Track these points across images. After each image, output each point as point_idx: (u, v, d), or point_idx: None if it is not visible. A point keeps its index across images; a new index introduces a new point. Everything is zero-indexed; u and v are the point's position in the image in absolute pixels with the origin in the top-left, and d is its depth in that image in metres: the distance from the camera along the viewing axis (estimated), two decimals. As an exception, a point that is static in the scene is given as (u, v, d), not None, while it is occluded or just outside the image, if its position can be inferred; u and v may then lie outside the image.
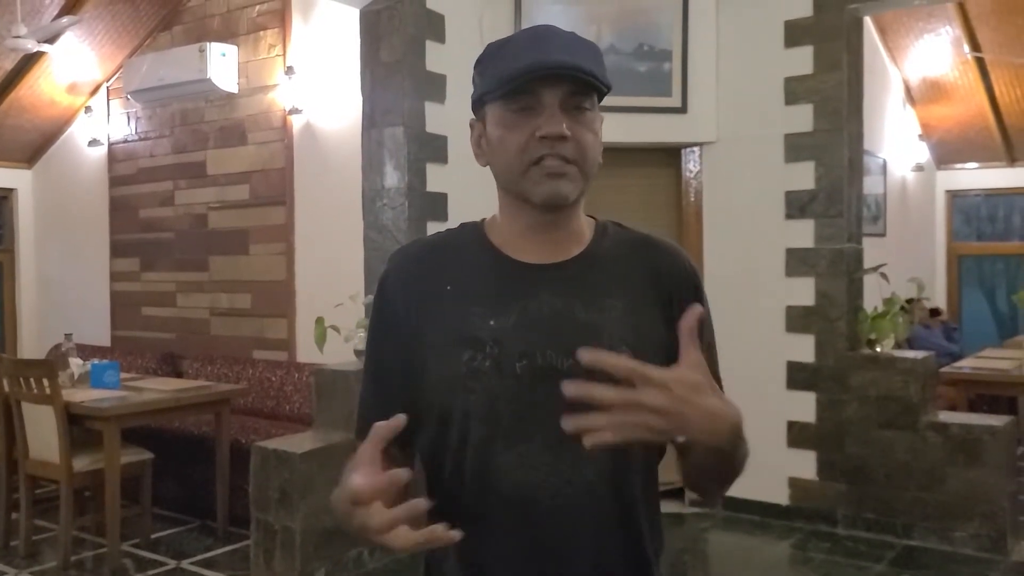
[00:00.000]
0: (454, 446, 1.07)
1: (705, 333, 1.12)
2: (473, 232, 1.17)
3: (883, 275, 4.24)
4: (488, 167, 1.13)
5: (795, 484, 4.29)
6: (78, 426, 3.84)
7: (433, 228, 3.97)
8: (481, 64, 1.11)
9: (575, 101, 1.06)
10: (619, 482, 1.07)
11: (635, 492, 1.09)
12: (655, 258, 1.15)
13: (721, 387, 1.10)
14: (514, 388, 1.05)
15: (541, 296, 1.08)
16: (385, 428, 0.94)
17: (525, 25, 4.34)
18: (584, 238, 1.14)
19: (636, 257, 1.14)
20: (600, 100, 1.12)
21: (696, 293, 1.14)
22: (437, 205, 4.00)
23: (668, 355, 1.00)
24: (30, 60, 5.49)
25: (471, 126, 1.15)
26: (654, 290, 1.12)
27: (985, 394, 5.29)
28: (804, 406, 4.26)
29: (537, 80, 1.04)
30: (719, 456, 1.01)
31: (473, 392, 1.06)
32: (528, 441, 1.05)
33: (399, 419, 0.94)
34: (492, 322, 1.07)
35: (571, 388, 0.89)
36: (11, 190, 6.58)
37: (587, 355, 0.91)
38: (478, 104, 1.12)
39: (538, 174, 1.05)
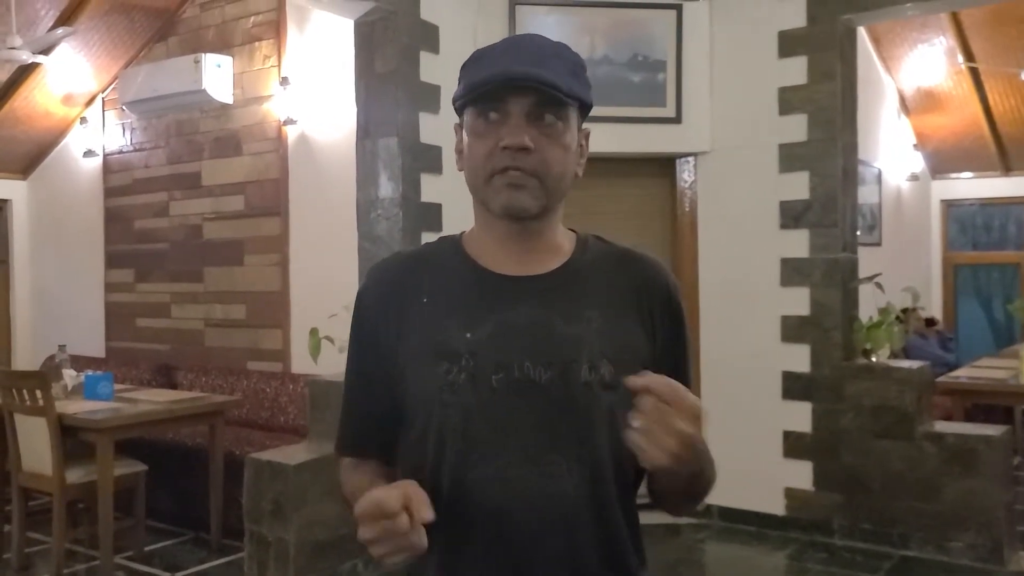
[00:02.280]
0: (431, 459, 1.06)
1: (686, 347, 1.16)
2: (451, 245, 1.17)
3: (878, 285, 4.24)
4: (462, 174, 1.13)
5: (791, 494, 4.27)
6: (71, 438, 3.82)
7: (428, 239, 3.96)
8: (463, 69, 1.11)
9: (541, 113, 1.04)
10: (597, 496, 1.05)
11: (614, 505, 1.07)
12: (635, 272, 1.14)
13: (689, 381, 1.13)
14: (490, 401, 1.04)
15: (519, 308, 1.07)
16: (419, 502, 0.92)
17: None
18: (564, 251, 1.13)
19: (617, 270, 1.14)
20: (585, 114, 1.11)
21: (674, 307, 1.15)
22: (431, 216, 4.00)
23: (647, 369, 1.00)
24: (25, 71, 5.49)
25: (455, 130, 1.14)
26: (634, 303, 1.11)
27: (981, 404, 5.28)
28: (800, 416, 4.25)
29: (505, 90, 1.03)
30: (695, 476, 1.01)
31: (449, 405, 1.05)
32: (505, 455, 1.03)
33: (429, 514, 0.93)
34: (468, 334, 1.06)
35: (636, 382, 0.90)
36: (6, 201, 6.58)
37: (636, 381, 0.90)
38: (459, 111, 1.12)
39: (499, 183, 1.05)
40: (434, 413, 1.05)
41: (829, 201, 4.18)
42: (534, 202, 1.06)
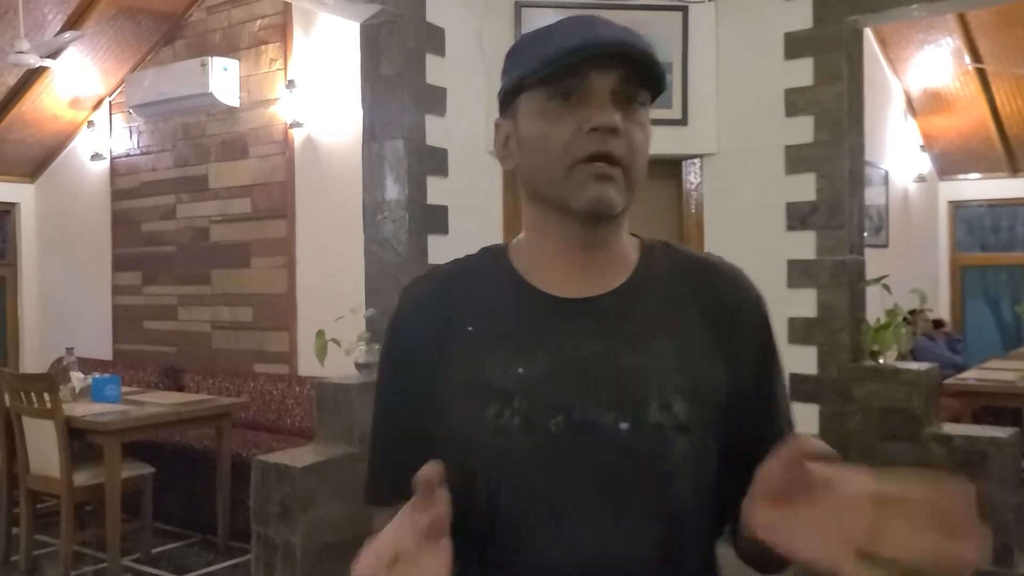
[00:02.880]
0: (481, 519, 0.90)
1: (776, 374, 1.00)
2: (495, 258, 1.00)
3: (885, 286, 4.22)
4: (516, 171, 0.97)
5: (799, 497, 4.25)
6: (79, 440, 3.84)
7: (434, 241, 3.97)
8: (515, 54, 0.96)
9: (629, 91, 0.90)
10: (677, 558, 0.90)
11: (697, 567, 0.93)
12: (712, 286, 0.98)
13: (785, 412, 1.01)
14: (548, 449, 0.88)
15: (578, 337, 0.92)
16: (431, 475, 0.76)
17: (525, 38, 4.35)
18: (628, 263, 0.97)
19: (690, 286, 0.97)
20: (652, 100, 0.95)
21: (759, 326, 0.98)
22: (438, 218, 4.00)
23: (726, 406, 0.91)
24: (33, 75, 5.52)
25: (496, 126, 0.99)
26: (712, 326, 0.94)
27: (989, 406, 5.26)
28: (807, 418, 4.23)
29: (587, 63, 0.88)
30: None
31: (500, 455, 0.89)
32: (567, 514, 0.88)
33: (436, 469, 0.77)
34: (521, 370, 0.90)
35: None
36: (14, 204, 6.60)
37: (792, 450, 0.73)
38: (509, 97, 0.96)
39: (583, 175, 0.89)
40: (483, 463, 0.90)
41: (836, 203, 4.17)
42: (620, 197, 0.91)
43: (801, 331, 4.25)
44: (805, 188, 4.23)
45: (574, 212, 0.92)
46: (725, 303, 0.97)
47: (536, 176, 0.94)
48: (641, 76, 0.91)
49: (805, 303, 4.23)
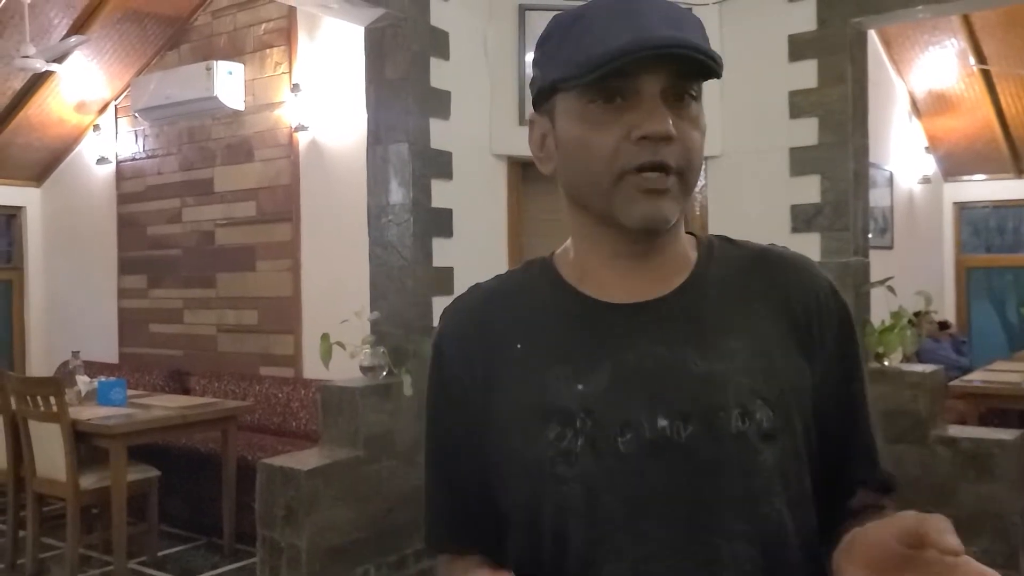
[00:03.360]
0: (549, 554, 0.82)
1: (859, 371, 0.91)
2: (541, 270, 0.92)
3: (890, 288, 4.21)
4: (555, 175, 0.88)
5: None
6: (85, 444, 3.85)
7: (438, 244, 3.98)
8: (549, 42, 0.84)
9: (682, 89, 0.80)
10: None
11: None
12: (780, 278, 0.88)
13: (879, 430, 0.92)
14: (619, 472, 0.80)
15: (639, 345, 0.83)
16: None
17: (529, 41, 4.36)
18: (687, 262, 0.89)
19: (756, 279, 0.88)
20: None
21: (838, 319, 0.89)
22: (442, 221, 4.01)
23: (810, 409, 0.83)
24: (39, 79, 5.54)
25: (531, 121, 0.90)
26: (786, 320, 0.85)
27: (995, 408, 5.24)
28: (812, 420, 4.23)
29: (640, 64, 0.78)
30: None
31: (566, 481, 0.81)
32: (646, 542, 0.79)
33: None
34: (580, 386, 0.82)
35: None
36: (20, 208, 6.63)
37: (915, 528, 0.66)
38: (544, 93, 0.86)
39: (632, 189, 0.80)
40: (547, 491, 0.82)
41: (840, 204, 4.16)
42: (675, 209, 0.82)
43: (806, 333, 4.24)
44: (809, 190, 4.23)
45: (624, 227, 0.83)
46: (798, 296, 0.87)
47: (579, 184, 0.85)
48: (696, 69, 0.80)
49: (810, 305, 4.22)
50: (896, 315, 4.22)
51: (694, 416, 0.80)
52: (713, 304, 0.86)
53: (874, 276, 4.33)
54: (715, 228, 4.52)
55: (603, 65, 0.77)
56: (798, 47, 4.25)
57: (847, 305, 0.91)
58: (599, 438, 0.80)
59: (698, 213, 4.59)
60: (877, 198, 5.80)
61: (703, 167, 4.35)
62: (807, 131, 4.23)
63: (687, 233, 0.92)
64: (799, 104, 4.25)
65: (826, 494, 0.84)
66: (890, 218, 6.53)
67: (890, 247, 6.40)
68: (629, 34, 0.77)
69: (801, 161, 4.25)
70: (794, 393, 0.83)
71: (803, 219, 4.25)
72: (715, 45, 4.01)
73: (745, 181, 4.44)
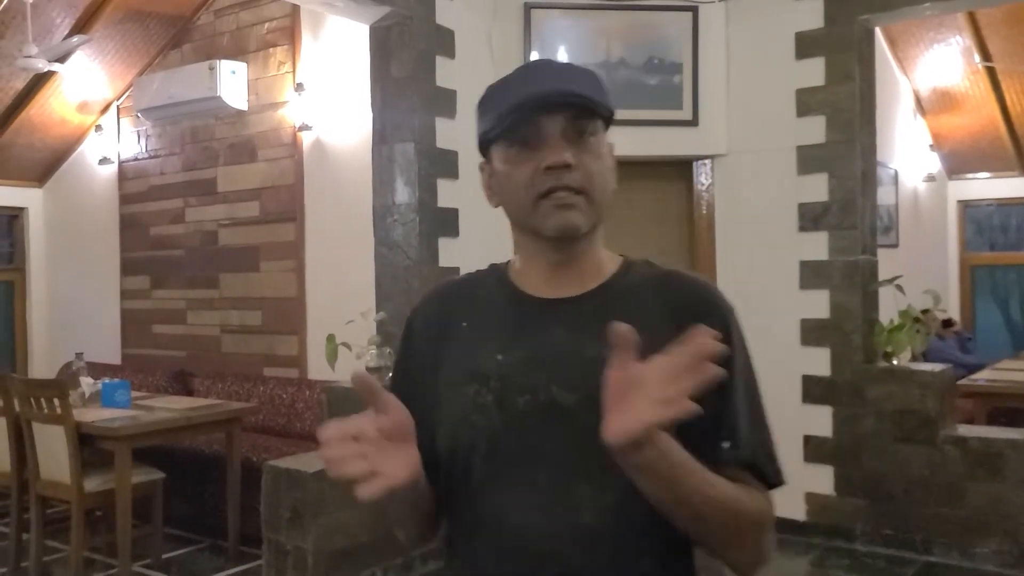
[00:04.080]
0: (458, 485, 1.06)
1: (733, 370, 1.03)
2: (496, 271, 1.18)
3: (899, 287, 4.20)
4: (501, 208, 1.12)
5: (812, 499, 4.23)
6: (89, 446, 3.82)
7: (445, 244, 3.96)
8: (482, 106, 1.10)
9: (577, 128, 1.04)
10: (624, 525, 1.01)
11: (643, 539, 1.02)
12: (678, 294, 1.09)
13: (764, 432, 1.08)
14: (516, 425, 1.02)
15: (552, 331, 1.06)
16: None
17: (534, 40, 4.34)
18: (603, 272, 1.11)
19: (656, 293, 1.09)
20: (607, 127, 1.09)
21: (722, 331, 0.99)
22: (448, 221, 3.98)
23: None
24: (41, 79, 5.51)
25: (481, 169, 1.14)
26: (671, 326, 0.99)
27: (1003, 407, 5.22)
28: (820, 420, 4.21)
29: (536, 112, 1.03)
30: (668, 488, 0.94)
31: (475, 428, 1.04)
32: (528, 482, 1.02)
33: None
34: (500, 356, 1.06)
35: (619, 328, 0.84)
36: (22, 209, 6.60)
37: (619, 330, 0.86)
38: (484, 146, 1.11)
39: (547, 207, 1.04)
40: (462, 435, 1.05)
41: (848, 203, 4.14)
42: (584, 220, 1.05)
43: (814, 332, 4.22)
44: (817, 188, 4.21)
45: (546, 237, 1.06)
46: (687, 306, 1.06)
47: (512, 210, 1.09)
48: (588, 112, 1.04)
49: (818, 304, 4.20)
50: (904, 314, 4.20)
51: (580, 389, 0.99)
52: (617, 306, 1.04)
53: (880, 274, 4.31)
54: (722, 227, 4.51)
55: (507, 116, 1.04)
56: (805, 45, 4.23)
57: (734, 323, 1.09)
58: (505, 398, 1.03)
59: (704, 212, 4.57)
60: (882, 196, 5.76)
61: (711, 164, 4.34)
62: (814, 129, 4.21)
63: (619, 256, 1.14)
64: (806, 102, 4.23)
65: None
66: (895, 216, 6.51)
67: (895, 245, 6.38)
68: (525, 91, 1.03)
69: (808, 159, 4.23)
70: None
71: (810, 218, 4.23)
72: (720, 43, 3.99)
73: (752, 180, 4.41)
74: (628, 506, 0.98)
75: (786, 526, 4.27)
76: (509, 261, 1.17)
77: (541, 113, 1.03)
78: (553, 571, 1.00)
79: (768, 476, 1.06)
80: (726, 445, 1.03)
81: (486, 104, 1.09)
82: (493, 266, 1.19)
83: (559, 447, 1.01)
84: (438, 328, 1.14)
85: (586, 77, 1.07)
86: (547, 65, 1.14)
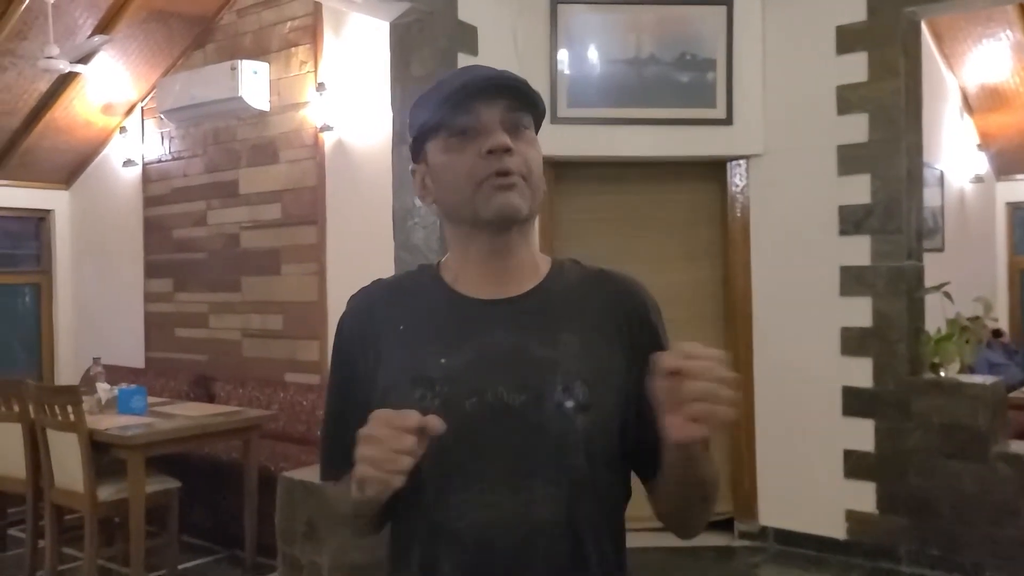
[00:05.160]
0: (409, 491, 1.01)
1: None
2: (428, 273, 1.17)
3: (947, 294, 3.97)
4: (434, 207, 1.13)
5: (853, 517, 4.02)
6: (104, 454, 3.74)
7: (466, 248, 3.82)
8: (414, 107, 1.12)
9: (514, 118, 1.07)
10: (576, 518, 1.04)
11: (594, 532, 1.06)
12: (611, 291, 1.14)
13: None
14: (464, 427, 1.02)
15: (495, 332, 1.07)
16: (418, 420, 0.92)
17: (561, 37, 4.19)
18: (539, 272, 1.13)
19: (591, 291, 1.13)
20: (537, 128, 1.12)
21: (651, 326, 1.13)
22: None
23: (623, 389, 1.05)
24: (65, 81, 5.47)
25: (412, 172, 1.15)
26: (610, 323, 1.10)
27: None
28: (862, 434, 3.99)
29: (474, 98, 1.05)
30: (703, 477, 1.04)
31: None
32: (481, 481, 1.03)
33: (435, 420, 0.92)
34: (443, 360, 1.06)
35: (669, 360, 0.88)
36: (48, 211, 6.58)
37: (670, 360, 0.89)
38: (417, 145, 1.12)
39: (488, 188, 1.05)
40: None
41: (892, 205, 3.93)
42: (524, 203, 1.07)
43: (855, 341, 4.01)
44: (859, 190, 4.00)
45: (485, 221, 1.06)
46: (621, 305, 1.12)
47: (448, 200, 1.09)
48: (522, 103, 1.08)
49: (859, 312, 3.99)
50: (952, 323, 3.98)
51: (528, 389, 1.03)
52: (555, 305, 1.10)
53: (925, 280, 4.08)
54: (757, 231, 4.31)
55: (447, 100, 1.06)
56: (847, 39, 4.03)
57: (659, 318, 1.14)
58: (451, 401, 1.03)
59: (739, 215, 4.37)
60: (927, 198, 5.51)
61: (746, 164, 4.15)
62: (856, 128, 4.00)
63: (546, 255, 1.17)
64: (848, 99, 4.02)
65: (645, 460, 1.07)
66: (940, 219, 6.25)
67: (941, 249, 6.12)
68: (464, 79, 1.07)
69: (850, 159, 4.03)
70: (610, 377, 1.06)
71: (852, 221, 4.02)
72: (756, 38, 3.79)
73: (789, 181, 4.22)
74: (580, 500, 1.04)
75: (825, 544, 4.08)
76: (439, 262, 1.17)
77: (480, 99, 1.05)
78: (513, 563, 1.02)
79: None
80: None
81: (420, 103, 1.11)
82: (423, 267, 1.20)
83: (508, 447, 1.03)
84: (372, 332, 1.12)
85: (519, 78, 1.10)
86: (481, 66, 1.12)
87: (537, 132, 1.13)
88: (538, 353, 1.05)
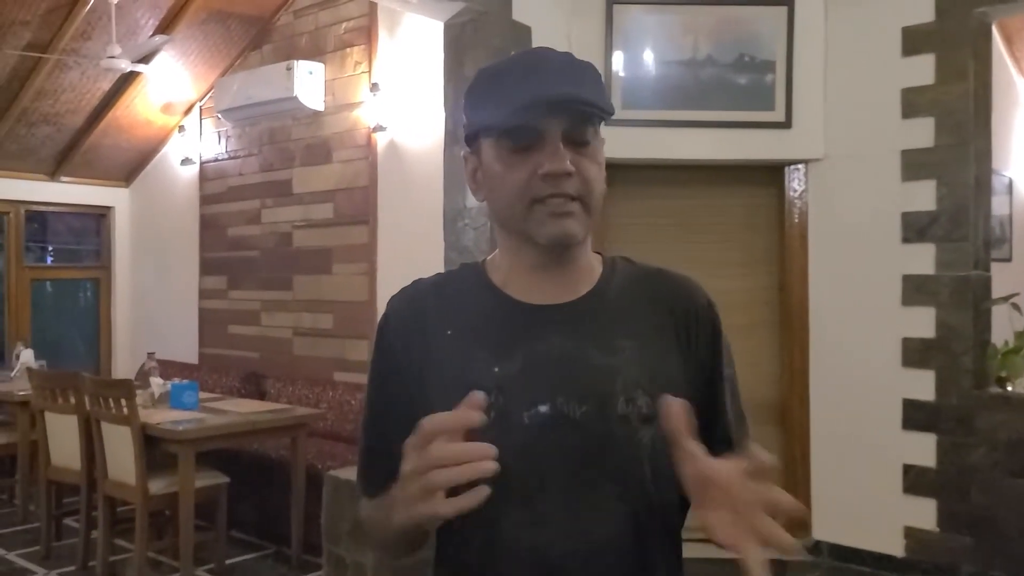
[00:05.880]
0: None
1: (723, 369, 1.08)
2: (474, 273, 1.10)
3: (1015, 306, 3.81)
4: (485, 202, 1.06)
5: (912, 534, 3.88)
6: (156, 448, 3.78)
7: (517, 250, 3.78)
8: (472, 95, 1.03)
9: (578, 133, 0.99)
10: (642, 535, 0.99)
11: (654, 551, 1.01)
12: (667, 292, 1.08)
13: (745, 423, 1.09)
14: (522, 440, 0.96)
15: (549, 339, 1.01)
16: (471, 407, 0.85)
17: (616, 37, 4.12)
18: (593, 275, 1.07)
19: (646, 291, 1.08)
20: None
21: (710, 327, 1.08)
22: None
23: (685, 396, 0.96)
24: (126, 80, 5.59)
25: (464, 159, 1.08)
26: (669, 326, 1.05)
27: None
28: (923, 449, 3.85)
29: (542, 113, 0.97)
30: None
31: None
32: (540, 498, 0.97)
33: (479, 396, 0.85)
34: (496, 368, 0.99)
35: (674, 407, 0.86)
36: (109, 208, 6.73)
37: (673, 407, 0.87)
38: (471, 133, 1.04)
39: (542, 213, 0.98)
40: None
41: (959, 213, 3.78)
42: (580, 228, 1.00)
43: (917, 353, 3.88)
44: (924, 197, 3.87)
45: (539, 244, 1.00)
46: (679, 307, 1.06)
47: (501, 210, 1.03)
48: (589, 117, 0.99)
49: (922, 323, 3.86)
50: (1020, 335, 3.82)
51: (589, 399, 0.97)
52: (610, 310, 1.04)
53: (993, 291, 3.93)
54: (816, 238, 4.20)
55: (509, 118, 0.97)
56: (913, 40, 3.90)
57: (718, 318, 1.08)
58: (508, 412, 0.96)
59: (797, 221, 4.26)
60: (995, 206, 5.30)
61: (805, 169, 4.04)
62: (922, 132, 3.87)
63: (596, 253, 1.10)
64: (913, 103, 3.89)
65: None
66: (1009, 228, 6.02)
67: (1008, 259, 5.89)
68: (530, 93, 0.96)
69: (915, 165, 3.89)
70: (671, 385, 0.98)
71: (916, 228, 3.89)
72: (818, 39, 3.66)
73: (850, 187, 4.10)
74: (645, 516, 0.99)
75: (882, 562, 3.94)
76: (485, 261, 1.10)
77: (544, 115, 0.97)
78: None
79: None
80: (733, 429, 1.07)
81: (479, 94, 1.02)
82: (466, 266, 1.13)
83: (570, 460, 0.97)
84: (419, 335, 1.04)
85: (589, 75, 1.01)
86: (549, 59, 1.01)
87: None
88: (597, 361, 1.00)
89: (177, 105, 6.09)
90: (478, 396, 0.85)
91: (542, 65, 1.01)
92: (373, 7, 4.89)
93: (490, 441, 0.93)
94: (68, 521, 4.48)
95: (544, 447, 0.97)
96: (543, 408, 0.97)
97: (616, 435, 0.97)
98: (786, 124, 4.14)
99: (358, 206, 5.06)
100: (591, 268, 1.08)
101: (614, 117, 1.04)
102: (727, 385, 1.08)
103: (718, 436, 1.04)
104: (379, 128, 4.86)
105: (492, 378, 0.98)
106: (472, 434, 0.94)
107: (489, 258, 1.10)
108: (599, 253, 1.11)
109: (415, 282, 1.13)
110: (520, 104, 0.96)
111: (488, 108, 1.00)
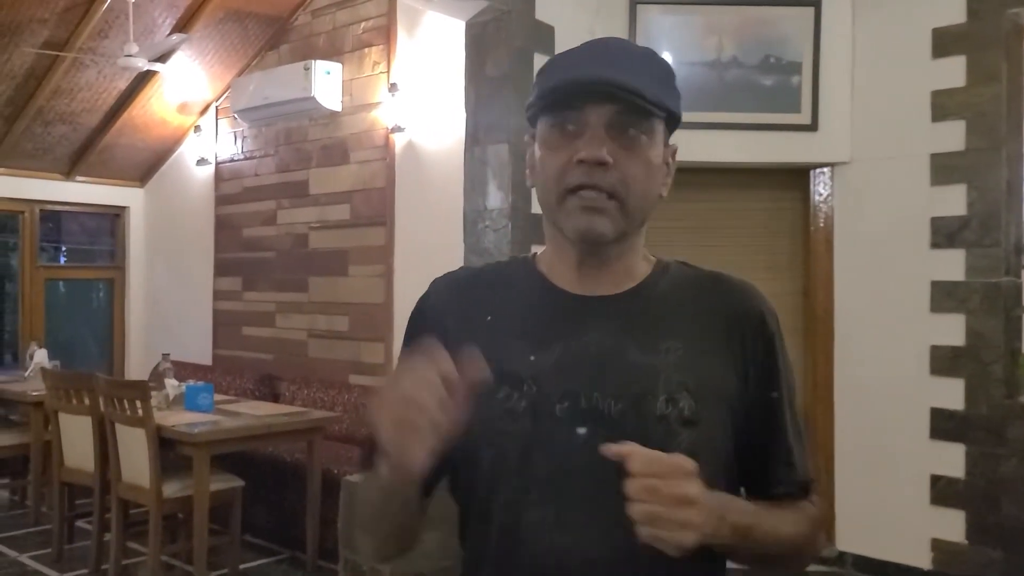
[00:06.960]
0: (482, 496, 0.96)
1: (782, 384, 1.02)
2: (523, 263, 1.08)
3: (1047, 314, 3.72)
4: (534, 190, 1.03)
5: (939, 547, 3.79)
6: (170, 450, 3.74)
7: (540, 252, 3.72)
8: (540, 74, 1.00)
9: (624, 124, 0.93)
10: (666, 555, 0.92)
11: (689, 567, 0.90)
12: (724, 297, 1.02)
13: (803, 442, 1.03)
14: (552, 433, 0.93)
15: (590, 331, 0.97)
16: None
17: (640, 38, 4.06)
18: (640, 273, 1.03)
19: (700, 295, 1.02)
20: (673, 128, 1.00)
21: (768, 336, 1.01)
22: (542, 227, 3.74)
23: (732, 408, 0.95)
24: (143, 79, 5.56)
25: (527, 142, 1.04)
26: (722, 332, 0.99)
27: None
28: (951, 459, 3.77)
29: (582, 97, 0.93)
30: (754, 541, 0.92)
31: (506, 435, 0.94)
32: (566, 496, 0.92)
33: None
34: (533, 357, 0.96)
35: (610, 451, 0.82)
36: (123, 208, 6.71)
37: (612, 449, 0.82)
38: (532, 119, 1.01)
39: (573, 205, 0.95)
40: (489, 442, 0.95)
41: (990, 218, 3.70)
42: (612, 227, 0.95)
43: (946, 361, 3.79)
44: (954, 201, 3.79)
45: (568, 237, 0.98)
46: (736, 314, 1.00)
47: (541, 198, 1.00)
48: (640, 111, 0.93)
49: (951, 330, 3.78)
50: (1053, 344, 3.73)
51: (625, 396, 0.93)
52: (655, 308, 1.00)
53: (1027, 299, 3.84)
54: (842, 242, 4.12)
55: (545, 96, 0.95)
56: (944, 42, 3.82)
57: (779, 328, 1.03)
58: (540, 403, 0.94)
59: (822, 225, 4.19)
60: None
61: (831, 172, 3.96)
62: (952, 135, 3.79)
63: (653, 257, 1.05)
64: (943, 105, 3.82)
65: (752, 487, 0.99)
66: (1033, 234, 5.92)
67: (1033, 266, 5.79)
68: (574, 72, 0.93)
69: (944, 169, 3.82)
70: (718, 391, 0.95)
71: (945, 233, 3.81)
72: (845, 40, 3.57)
73: (877, 190, 4.02)
74: None
75: (908, 574, 3.87)
76: (535, 253, 1.08)
77: (587, 100, 0.93)
78: None
79: (812, 483, 1.03)
80: (792, 475, 1.01)
81: (543, 73, 0.99)
82: (517, 258, 1.11)
83: (598, 458, 0.87)
84: (457, 318, 1.01)
85: (651, 69, 0.96)
86: (614, 45, 0.98)
87: (672, 132, 1.00)
88: (637, 358, 0.95)
89: (193, 105, 6.06)
90: (474, 353, 0.83)
91: (603, 52, 0.97)
92: (392, 7, 4.85)
93: (518, 430, 0.94)
94: (81, 523, 4.44)
95: (574, 442, 0.92)
96: (577, 401, 0.94)
97: (653, 436, 0.91)
98: (812, 127, 4.07)
99: (375, 207, 5.01)
100: (638, 266, 1.03)
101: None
102: (786, 404, 1.02)
103: (776, 457, 1.01)
104: (397, 129, 4.81)
105: (528, 367, 0.95)
106: (501, 423, 0.93)
107: (541, 251, 1.07)
108: (656, 257, 1.07)
109: (461, 268, 1.14)
110: (559, 84, 0.93)
111: (539, 88, 0.97)
